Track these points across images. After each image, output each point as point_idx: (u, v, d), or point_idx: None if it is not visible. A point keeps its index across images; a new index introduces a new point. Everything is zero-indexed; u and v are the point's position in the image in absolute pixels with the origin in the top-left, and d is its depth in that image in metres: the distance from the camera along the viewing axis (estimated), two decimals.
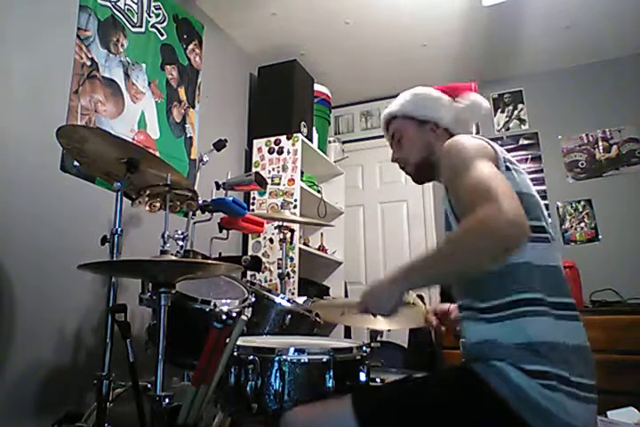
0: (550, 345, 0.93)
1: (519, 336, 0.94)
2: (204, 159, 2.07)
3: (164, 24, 2.59)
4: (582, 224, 3.28)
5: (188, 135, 2.69)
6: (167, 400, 1.11)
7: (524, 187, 1.06)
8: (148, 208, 1.58)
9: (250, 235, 3.00)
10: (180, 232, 1.61)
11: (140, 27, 2.43)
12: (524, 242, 0.84)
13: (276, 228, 2.38)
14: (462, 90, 1.30)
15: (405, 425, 0.96)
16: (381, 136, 3.98)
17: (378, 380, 1.49)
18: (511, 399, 0.89)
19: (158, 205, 1.57)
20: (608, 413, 1.97)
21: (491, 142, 1.11)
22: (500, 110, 3.71)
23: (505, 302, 0.97)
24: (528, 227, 0.84)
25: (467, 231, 0.87)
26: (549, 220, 1.10)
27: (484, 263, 0.88)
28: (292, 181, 3.00)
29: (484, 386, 0.92)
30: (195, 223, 1.93)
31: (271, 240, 2.92)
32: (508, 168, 1.06)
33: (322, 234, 3.57)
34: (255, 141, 3.19)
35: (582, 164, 3.39)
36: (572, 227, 3.30)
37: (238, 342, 1.12)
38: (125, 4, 2.34)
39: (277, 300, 1.60)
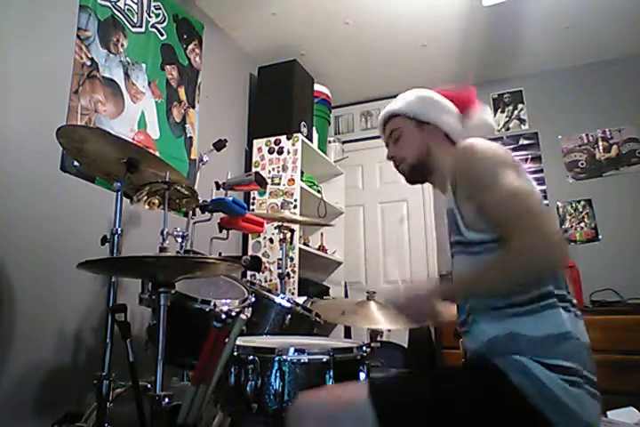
0: (573, 340, 0.95)
1: (547, 328, 0.95)
2: (204, 159, 2.07)
3: (164, 24, 2.59)
4: (582, 224, 3.28)
5: (188, 135, 2.69)
6: (167, 400, 1.11)
7: (534, 188, 1.07)
8: (147, 206, 1.58)
9: (250, 235, 3.00)
10: (179, 229, 1.62)
11: (140, 27, 2.43)
12: (566, 261, 0.98)
13: (275, 228, 2.38)
14: (466, 101, 1.29)
15: (425, 420, 0.94)
16: None
17: None
18: (533, 395, 0.89)
19: (157, 202, 1.57)
20: (608, 413, 1.97)
21: (504, 148, 1.11)
22: (500, 110, 3.71)
23: (536, 295, 0.98)
24: (567, 247, 0.96)
25: (514, 261, 0.95)
26: None
27: (528, 283, 0.99)
28: (292, 181, 3.00)
29: (506, 382, 0.91)
30: (195, 223, 1.93)
31: (271, 240, 2.92)
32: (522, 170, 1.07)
33: (322, 234, 3.57)
34: (255, 141, 3.19)
35: (582, 164, 3.39)
36: (572, 227, 3.30)
37: (238, 342, 1.12)
38: (125, 4, 2.34)
39: (277, 300, 1.60)
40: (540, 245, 0.92)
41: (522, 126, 3.63)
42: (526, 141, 3.59)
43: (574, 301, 1.02)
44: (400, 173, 1.32)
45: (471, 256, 1.06)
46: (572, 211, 3.32)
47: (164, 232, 1.44)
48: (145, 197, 1.55)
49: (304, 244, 3.20)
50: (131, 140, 2.23)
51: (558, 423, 0.88)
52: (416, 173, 1.29)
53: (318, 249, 3.39)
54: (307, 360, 1.11)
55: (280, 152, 3.08)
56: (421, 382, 1.03)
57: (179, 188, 1.52)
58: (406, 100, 1.31)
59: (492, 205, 1.00)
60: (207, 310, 1.46)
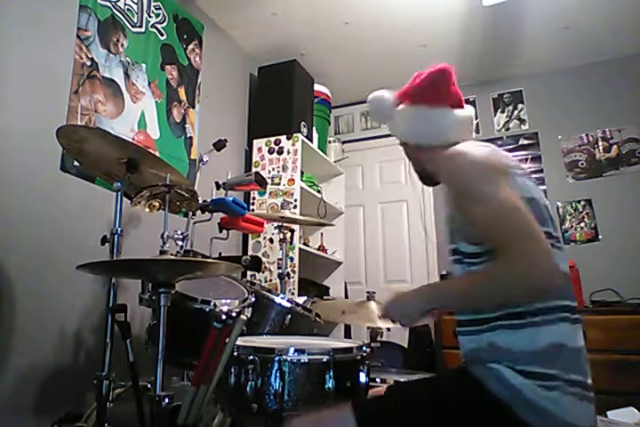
0: (560, 348, 0.94)
1: (538, 342, 0.94)
2: (204, 159, 2.07)
3: (164, 24, 2.59)
4: (582, 224, 3.28)
5: (188, 135, 2.69)
6: (167, 400, 1.11)
7: (532, 192, 1.04)
8: (147, 209, 1.58)
9: (250, 235, 3.00)
10: (179, 232, 1.62)
11: (140, 27, 2.43)
12: (554, 288, 0.90)
13: (275, 228, 2.38)
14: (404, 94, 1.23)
15: None
16: (381, 136, 4.02)
17: (378, 380, 1.49)
18: (510, 401, 0.90)
19: (157, 204, 1.57)
20: (608, 413, 1.97)
21: (497, 149, 1.09)
22: (500, 110, 3.71)
23: (535, 309, 0.96)
24: (559, 276, 0.88)
25: (499, 279, 0.92)
26: (557, 224, 1.09)
27: (507, 304, 0.97)
28: (292, 181, 3.00)
29: (482, 390, 0.92)
30: (195, 223, 1.93)
31: (271, 240, 2.92)
32: (516, 175, 1.04)
33: (322, 234, 3.57)
34: (255, 141, 3.19)
35: (582, 164, 3.39)
36: (571, 227, 3.30)
37: (238, 342, 1.12)
38: (125, 4, 2.34)
39: (277, 300, 1.60)
40: (517, 274, 0.88)
41: (522, 126, 3.63)
42: (526, 141, 3.59)
43: (575, 305, 1.01)
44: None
45: (466, 267, 1.06)
46: (572, 211, 3.32)
47: (165, 235, 1.44)
48: (145, 200, 1.54)
49: (304, 244, 3.20)
50: (131, 140, 2.23)
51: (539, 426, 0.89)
52: (426, 181, 1.32)
53: (318, 249, 3.39)
54: (307, 360, 1.11)
55: (280, 152, 3.08)
56: (402, 392, 1.05)
57: (179, 191, 1.52)
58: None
59: (476, 219, 0.97)
60: (207, 310, 1.46)
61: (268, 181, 3.00)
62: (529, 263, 0.87)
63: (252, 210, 3.06)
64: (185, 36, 2.75)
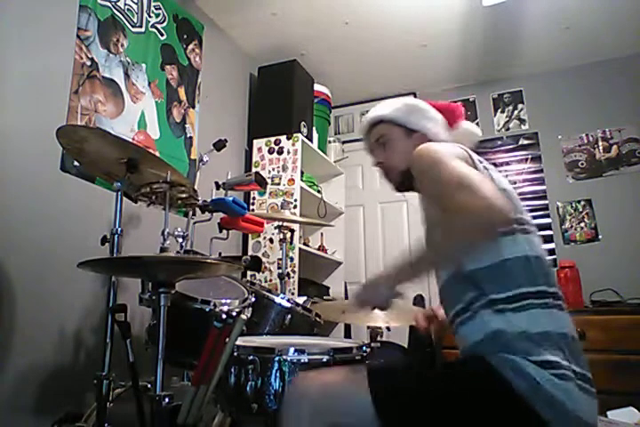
0: (558, 336, 0.95)
1: (527, 327, 0.95)
2: (204, 159, 2.07)
3: (164, 24, 2.59)
4: (582, 224, 3.28)
5: (188, 135, 2.69)
6: (167, 400, 1.11)
7: (499, 183, 1.08)
8: (146, 205, 1.58)
9: (250, 235, 3.00)
10: (179, 229, 1.62)
11: (140, 27, 2.43)
12: (506, 224, 0.95)
13: (276, 228, 2.38)
14: (452, 113, 1.33)
15: (418, 412, 0.95)
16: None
17: None
18: (526, 392, 0.89)
19: (157, 201, 1.57)
20: (608, 413, 1.97)
21: (461, 146, 1.13)
22: (500, 110, 3.71)
23: (509, 296, 0.98)
24: (508, 210, 0.91)
25: (452, 221, 0.96)
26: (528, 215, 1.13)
27: (472, 246, 0.99)
28: (292, 181, 3.00)
29: (500, 380, 0.92)
30: (195, 223, 1.93)
31: (271, 240, 2.92)
32: (485, 168, 1.10)
33: (322, 234, 3.57)
34: (255, 141, 3.19)
35: (582, 164, 3.39)
36: (571, 227, 3.30)
37: (238, 342, 1.12)
38: (125, 4, 2.34)
39: (277, 300, 1.60)
40: (471, 207, 0.91)
41: (522, 126, 3.63)
42: (526, 141, 3.58)
43: (558, 293, 1.02)
44: (387, 179, 1.31)
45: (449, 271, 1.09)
46: (572, 211, 3.32)
47: (165, 232, 1.44)
48: (145, 198, 1.55)
49: (304, 244, 3.20)
50: (131, 140, 2.23)
51: (550, 421, 0.88)
52: (404, 181, 1.26)
53: (318, 249, 3.39)
54: (307, 360, 1.11)
55: (280, 152, 3.08)
56: (420, 375, 1.04)
57: (180, 188, 1.52)
58: (394, 107, 1.29)
59: (434, 188, 1.03)
60: (207, 310, 1.46)
61: (268, 181, 3.00)
62: (476, 195, 0.91)
63: (252, 210, 3.06)
64: (185, 36, 2.75)
